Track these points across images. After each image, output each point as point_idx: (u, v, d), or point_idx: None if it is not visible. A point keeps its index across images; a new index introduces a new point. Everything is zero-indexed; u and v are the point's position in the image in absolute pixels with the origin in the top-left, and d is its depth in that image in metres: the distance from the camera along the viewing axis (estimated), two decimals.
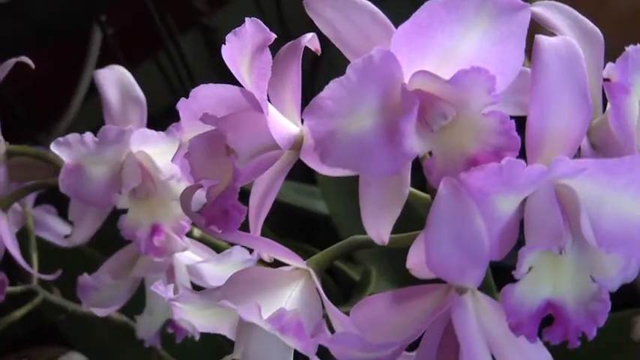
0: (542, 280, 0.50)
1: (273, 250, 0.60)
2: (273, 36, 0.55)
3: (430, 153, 0.51)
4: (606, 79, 0.51)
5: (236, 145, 0.56)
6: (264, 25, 0.55)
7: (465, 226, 0.48)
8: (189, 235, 0.85)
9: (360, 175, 0.55)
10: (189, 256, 0.83)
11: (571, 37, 0.55)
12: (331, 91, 0.49)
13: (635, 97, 0.52)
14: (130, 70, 0.82)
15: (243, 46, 0.56)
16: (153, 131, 0.77)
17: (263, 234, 0.63)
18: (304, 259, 0.59)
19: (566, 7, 0.58)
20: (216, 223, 0.57)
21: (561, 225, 0.49)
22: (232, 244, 0.79)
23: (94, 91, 0.84)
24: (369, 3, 0.54)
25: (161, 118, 0.78)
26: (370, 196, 0.55)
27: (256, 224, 0.63)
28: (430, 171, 0.50)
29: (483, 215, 0.48)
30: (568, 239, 0.50)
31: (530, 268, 0.50)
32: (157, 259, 0.77)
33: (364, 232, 0.57)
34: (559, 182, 0.51)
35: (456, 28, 0.50)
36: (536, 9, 0.57)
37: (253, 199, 0.63)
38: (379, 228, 0.55)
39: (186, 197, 0.58)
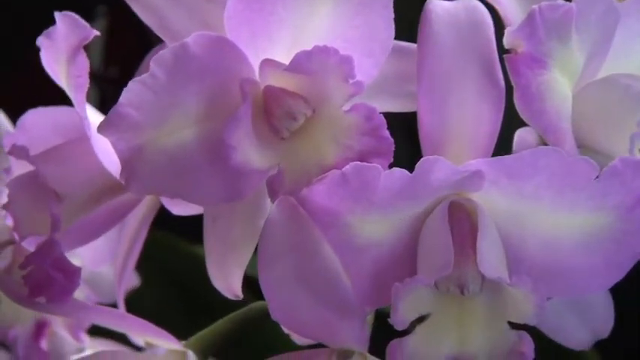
0: (443, 331, 0.40)
1: (136, 328, 0.49)
2: (93, 33, 0.45)
3: None
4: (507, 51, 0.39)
5: (59, 185, 0.46)
6: (81, 21, 0.45)
7: (305, 262, 0.37)
8: None
9: (204, 209, 0.45)
10: None
11: None
12: (131, 94, 0.39)
13: (558, 72, 0.40)
14: None
15: (58, 51, 0.46)
16: None
17: None
18: None
19: None
20: (41, 293, 0.46)
21: (450, 252, 0.37)
22: None
23: None
24: None
25: None
26: (216, 236, 0.45)
27: (120, 292, 0.53)
28: (275, 191, 0.39)
29: (337, 245, 0.37)
30: (469, 274, 0.38)
31: (426, 316, 0.39)
32: None
33: None
34: (463, 196, 0.39)
35: None
36: None
37: (116, 262, 0.53)
38: (228, 277, 0.44)
39: None
